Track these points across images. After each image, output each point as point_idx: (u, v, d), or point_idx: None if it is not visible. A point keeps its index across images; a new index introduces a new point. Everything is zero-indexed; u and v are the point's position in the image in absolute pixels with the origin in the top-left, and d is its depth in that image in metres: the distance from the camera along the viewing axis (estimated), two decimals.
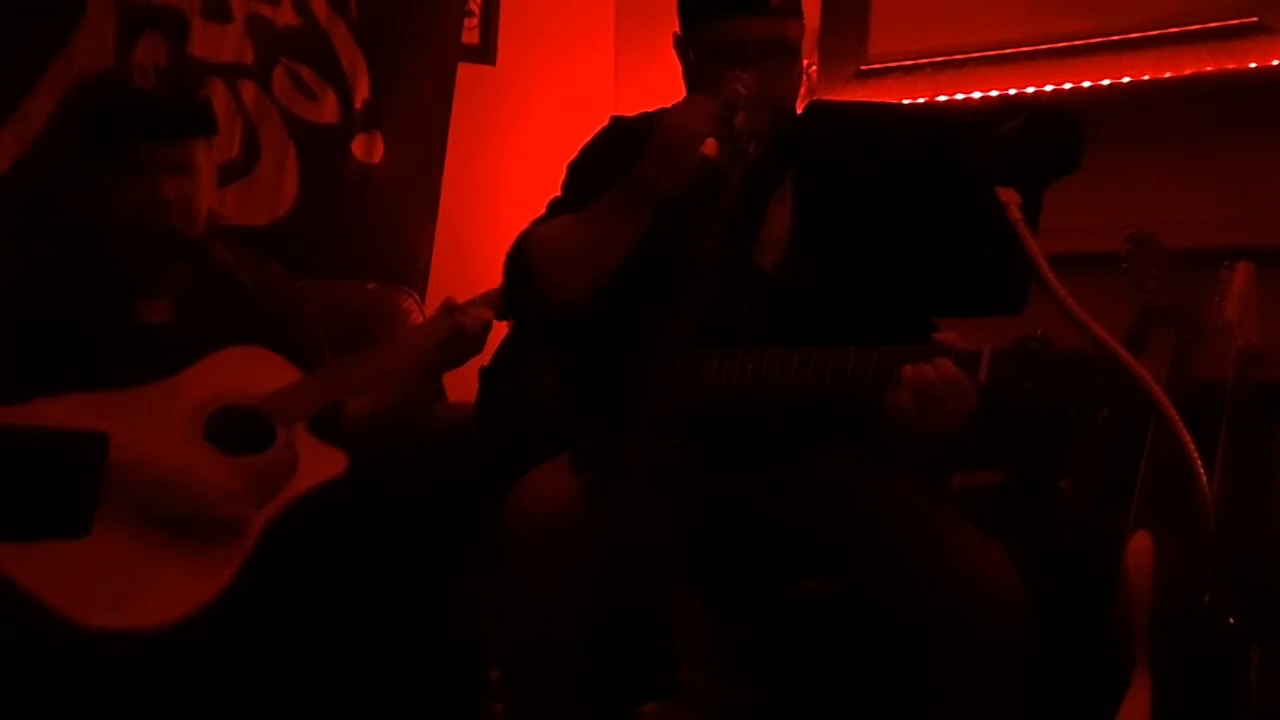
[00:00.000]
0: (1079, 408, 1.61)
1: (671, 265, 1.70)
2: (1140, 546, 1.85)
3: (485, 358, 2.17)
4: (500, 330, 2.20)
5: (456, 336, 2.15)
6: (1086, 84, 2.67)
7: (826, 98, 2.65)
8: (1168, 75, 2.58)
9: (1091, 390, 1.59)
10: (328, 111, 2.96)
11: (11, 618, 1.72)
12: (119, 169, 2.00)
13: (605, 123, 2.24)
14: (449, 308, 2.18)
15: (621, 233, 1.89)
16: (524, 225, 2.21)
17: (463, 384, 2.31)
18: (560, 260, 1.97)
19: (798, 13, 1.92)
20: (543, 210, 2.23)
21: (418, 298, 2.91)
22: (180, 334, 2.05)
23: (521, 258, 2.02)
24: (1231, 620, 1.78)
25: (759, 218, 1.97)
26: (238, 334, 2.06)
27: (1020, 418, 1.66)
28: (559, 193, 2.20)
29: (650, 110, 2.17)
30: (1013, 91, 2.78)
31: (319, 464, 1.99)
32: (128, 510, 1.82)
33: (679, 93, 2.08)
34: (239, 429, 1.95)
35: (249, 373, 2.02)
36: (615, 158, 2.13)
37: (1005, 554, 1.77)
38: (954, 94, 2.88)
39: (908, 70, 2.97)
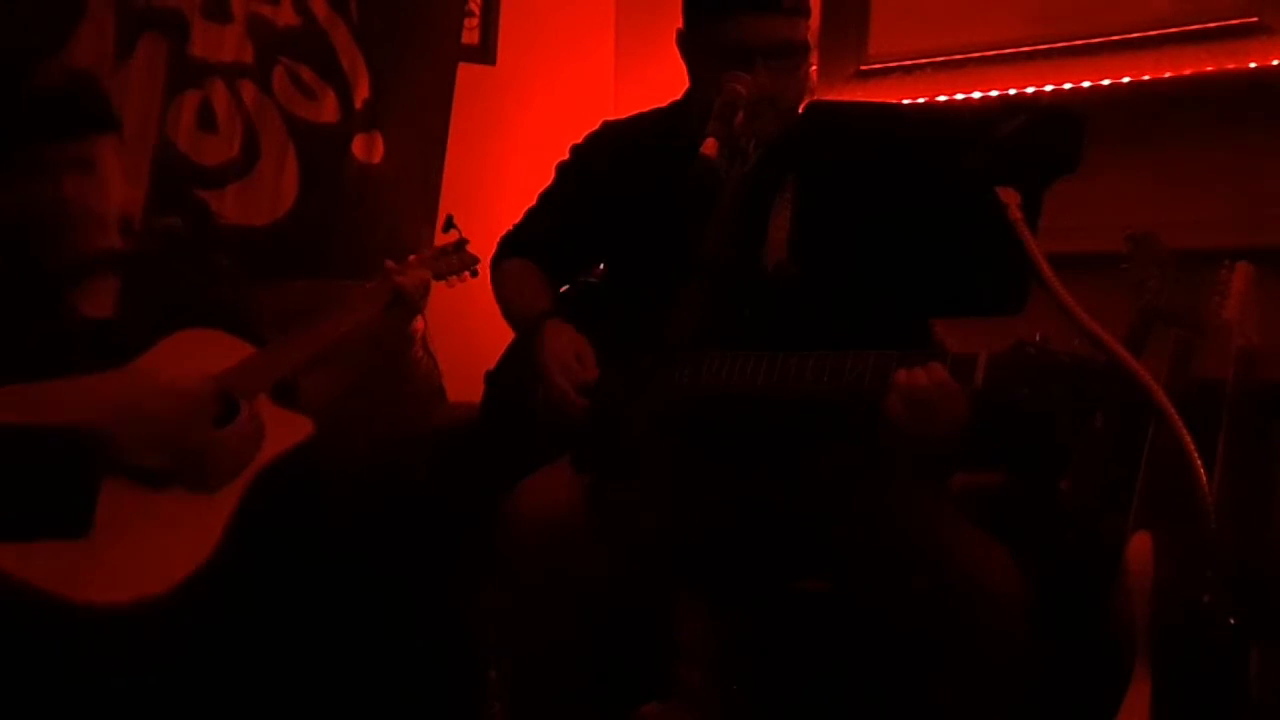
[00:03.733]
0: (1075, 414, 1.60)
1: (672, 266, 1.70)
2: (1140, 546, 1.85)
3: (491, 363, 2.18)
4: (473, 320, 2.22)
5: (397, 298, 2.20)
6: (1086, 84, 2.67)
7: (826, 98, 2.66)
8: (1168, 75, 2.58)
9: (1088, 396, 1.58)
10: (328, 111, 2.96)
11: None
12: (18, 170, 1.98)
13: (604, 119, 2.24)
14: (388, 270, 2.21)
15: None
16: None
17: (464, 384, 2.32)
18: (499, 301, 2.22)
19: (807, 13, 1.91)
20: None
21: None
22: (126, 326, 2.04)
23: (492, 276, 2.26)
24: (1231, 620, 1.78)
25: (759, 219, 1.97)
26: (185, 319, 2.06)
27: (1016, 422, 1.66)
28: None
29: (643, 111, 2.17)
30: (1013, 91, 2.78)
31: (285, 431, 2.00)
32: (121, 478, 1.83)
33: (679, 92, 2.08)
34: None
35: (205, 353, 2.03)
36: (604, 162, 2.13)
37: (1006, 553, 1.77)
38: (954, 94, 2.88)
39: (908, 70, 2.97)
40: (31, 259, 2.02)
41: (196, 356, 2.01)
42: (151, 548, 1.81)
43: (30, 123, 1.98)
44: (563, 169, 2.22)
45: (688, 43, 1.98)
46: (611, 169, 2.11)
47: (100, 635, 1.74)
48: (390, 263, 2.24)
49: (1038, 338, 1.62)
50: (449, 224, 2.34)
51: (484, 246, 2.34)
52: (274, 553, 1.90)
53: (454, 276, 2.33)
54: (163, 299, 2.10)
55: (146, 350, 1.99)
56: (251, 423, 1.96)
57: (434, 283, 2.31)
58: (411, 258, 2.29)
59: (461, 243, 2.37)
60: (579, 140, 2.22)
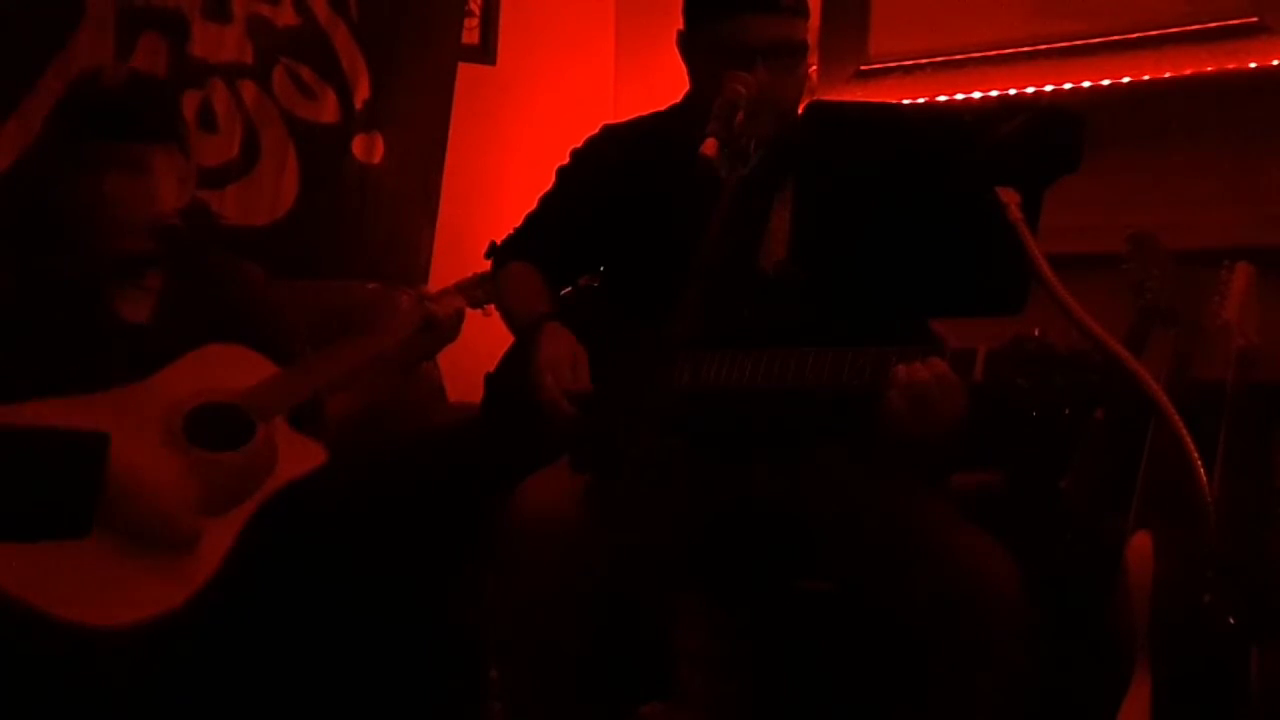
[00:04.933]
0: (1074, 407, 1.61)
1: (672, 266, 1.70)
2: (1140, 546, 1.85)
3: (491, 363, 2.17)
4: (473, 319, 2.20)
5: (429, 326, 2.15)
6: (1086, 84, 2.67)
7: (826, 98, 2.66)
8: (1168, 75, 2.58)
9: (1087, 389, 1.59)
10: (328, 111, 2.95)
11: None
12: (74, 165, 2.01)
13: (604, 123, 2.24)
14: (421, 297, 2.18)
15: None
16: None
17: (463, 384, 2.32)
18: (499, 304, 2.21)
19: (805, 13, 1.92)
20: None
21: None
22: (160, 333, 2.05)
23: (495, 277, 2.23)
24: (1231, 620, 1.78)
25: (760, 219, 1.97)
26: (217, 332, 2.06)
27: (1016, 416, 1.66)
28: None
29: (643, 115, 2.17)
30: (1013, 91, 2.78)
31: (298, 457, 1.98)
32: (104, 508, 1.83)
33: (679, 93, 2.08)
34: (218, 425, 1.95)
35: (227, 370, 2.02)
36: (604, 166, 2.13)
37: (1006, 553, 1.77)
38: (954, 94, 2.88)
39: (908, 70, 2.97)
40: (77, 255, 2.03)
41: (216, 373, 2.01)
42: (151, 570, 1.80)
43: (92, 120, 2.00)
44: (562, 172, 2.22)
45: (687, 43, 1.99)
46: (611, 171, 2.11)
47: (99, 657, 1.74)
48: (425, 289, 2.19)
49: (1036, 332, 1.62)
50: (492, 250, 2.28)
51: (483, 245, 2.33)
52: (274, 562, 1.90)
53: (491, 304, 2.28)
54: (197, 308, 2.11)
55: (170, 363, 1.99)
56: (265, 446, 1.95)
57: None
58: (449, 285, 2.24)
59: None
60: (579, 142, 2.22)
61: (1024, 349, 1.62)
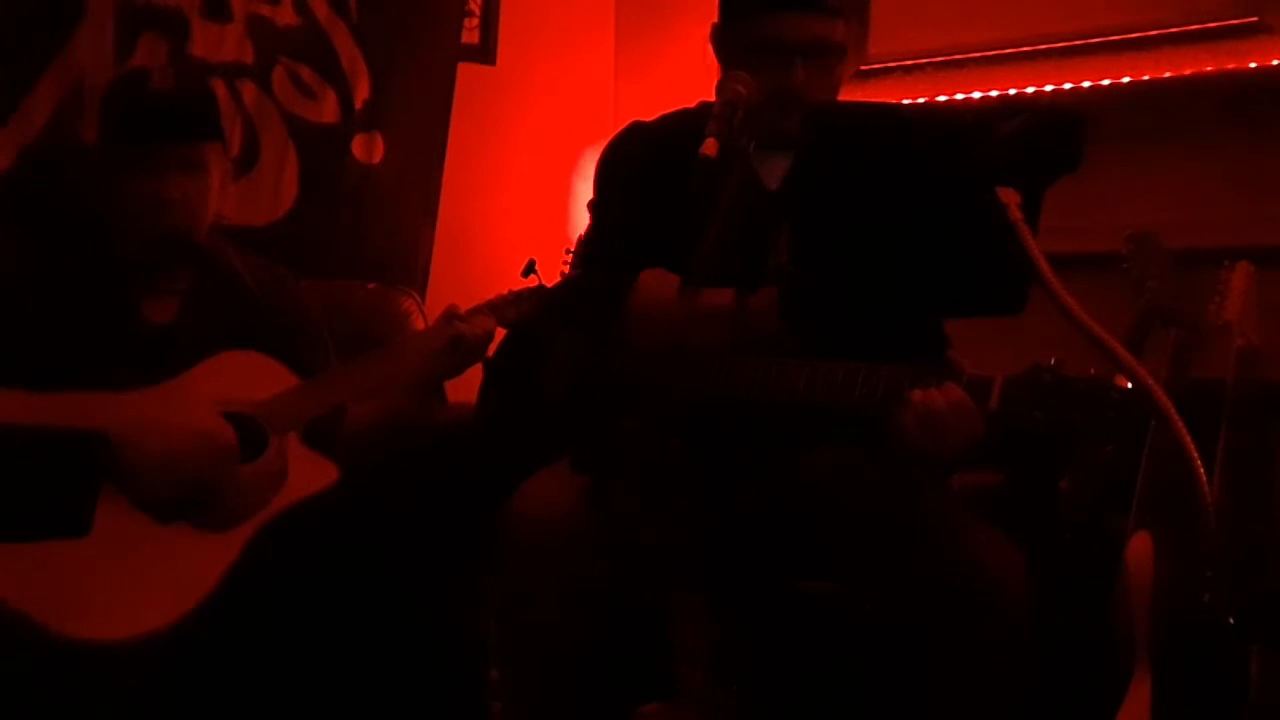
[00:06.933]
0: (1088, 440, 1.60)
1: (673, 267, 1.70)
2: (1140, 546, 1.85)
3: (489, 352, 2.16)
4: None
5: (457, 345, 2.11)
6: (1086, 84, 2.68)
7: None
8: (1168, 75, 2.59)
9: (1102, 424, 1.58)
10: (328, 111, 2.96)
11: None
12: (130, 167, 2.00)
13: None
14: (450, 315, 2.14)
15: None
16: (524, 226, 2.21)
17: (463, 385, 2.32)
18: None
19: (844, 14, 1.90)
20: (544, 217, 2.21)
21: (418, 298, 2.91)
22: (183, 336, 2.04)
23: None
24: (1231, 620, 1.78)
25: (760, 220, 1.96)
26: (241, 337, 2.05)
27: (1027, 443, 1.65)
28: (562, 209, 2.18)
29: (668, 113, 2.15)
30: (1013, 91, 2.79)
31: (309, 475, 1.97)
32: (124, 507, 1.82)
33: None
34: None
35: (247, 378, 2.00)
36: (633, 165, 2.09)
37: (1012, 546, 1.76)
38: (954, 94, 2.88)
39: (908, 70, 2.98)
40: (107, 256, 2.03)
41: (236, 381, 1.99)
42: (149, 584, 1.79)
43: (150, 123, 2.01)
44: (601, 180, 2.15)
45: (722, 39, 1.96)
46: (638, 169, 2.08)
47: (91, 671, 1.73)
48: (454, 307, 2.15)
49: (1053, 362, 1.61)
50: (529, 269, 2.22)
51: (483, 245, 2.33)
52: (274, 564, 1.89)
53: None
54: (222, 312, 2.10)
55: (190, 368, 1.98)
56: (276, 461, 1.94)
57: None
58: (480, 304, 2.18)
59: (540, 289, 2.26)
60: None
61: (1040, 380, 1.60)
